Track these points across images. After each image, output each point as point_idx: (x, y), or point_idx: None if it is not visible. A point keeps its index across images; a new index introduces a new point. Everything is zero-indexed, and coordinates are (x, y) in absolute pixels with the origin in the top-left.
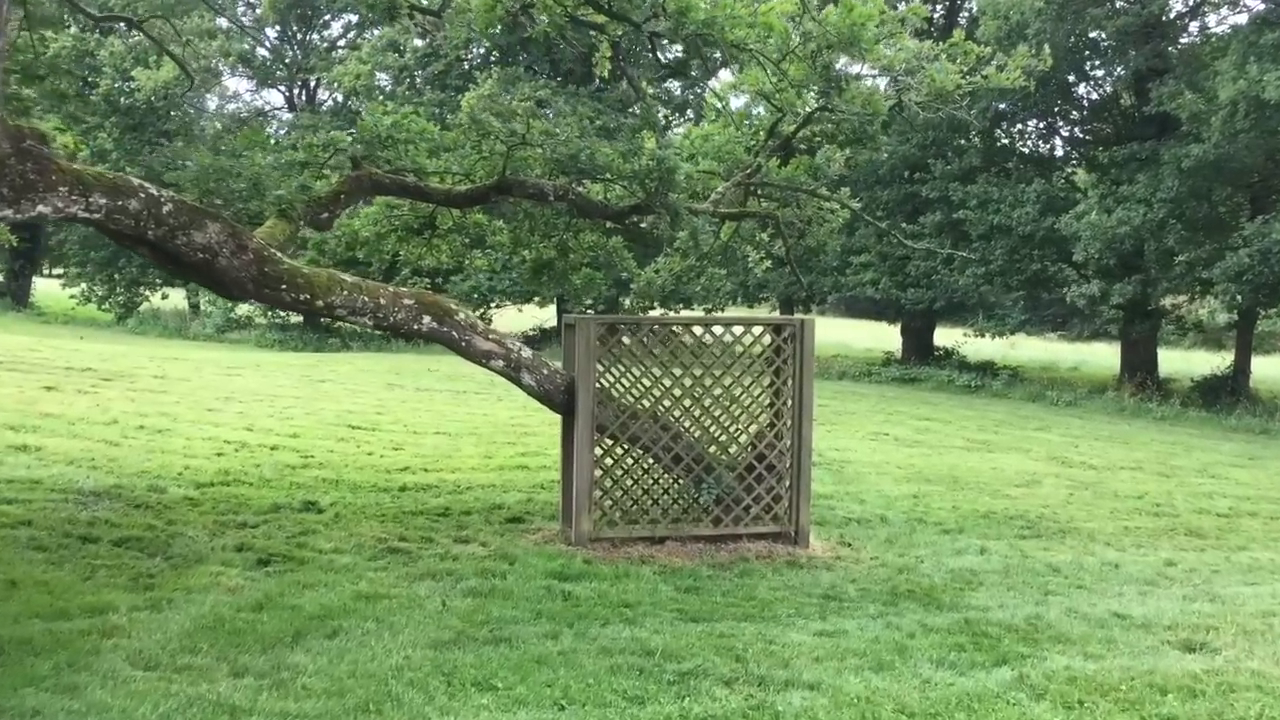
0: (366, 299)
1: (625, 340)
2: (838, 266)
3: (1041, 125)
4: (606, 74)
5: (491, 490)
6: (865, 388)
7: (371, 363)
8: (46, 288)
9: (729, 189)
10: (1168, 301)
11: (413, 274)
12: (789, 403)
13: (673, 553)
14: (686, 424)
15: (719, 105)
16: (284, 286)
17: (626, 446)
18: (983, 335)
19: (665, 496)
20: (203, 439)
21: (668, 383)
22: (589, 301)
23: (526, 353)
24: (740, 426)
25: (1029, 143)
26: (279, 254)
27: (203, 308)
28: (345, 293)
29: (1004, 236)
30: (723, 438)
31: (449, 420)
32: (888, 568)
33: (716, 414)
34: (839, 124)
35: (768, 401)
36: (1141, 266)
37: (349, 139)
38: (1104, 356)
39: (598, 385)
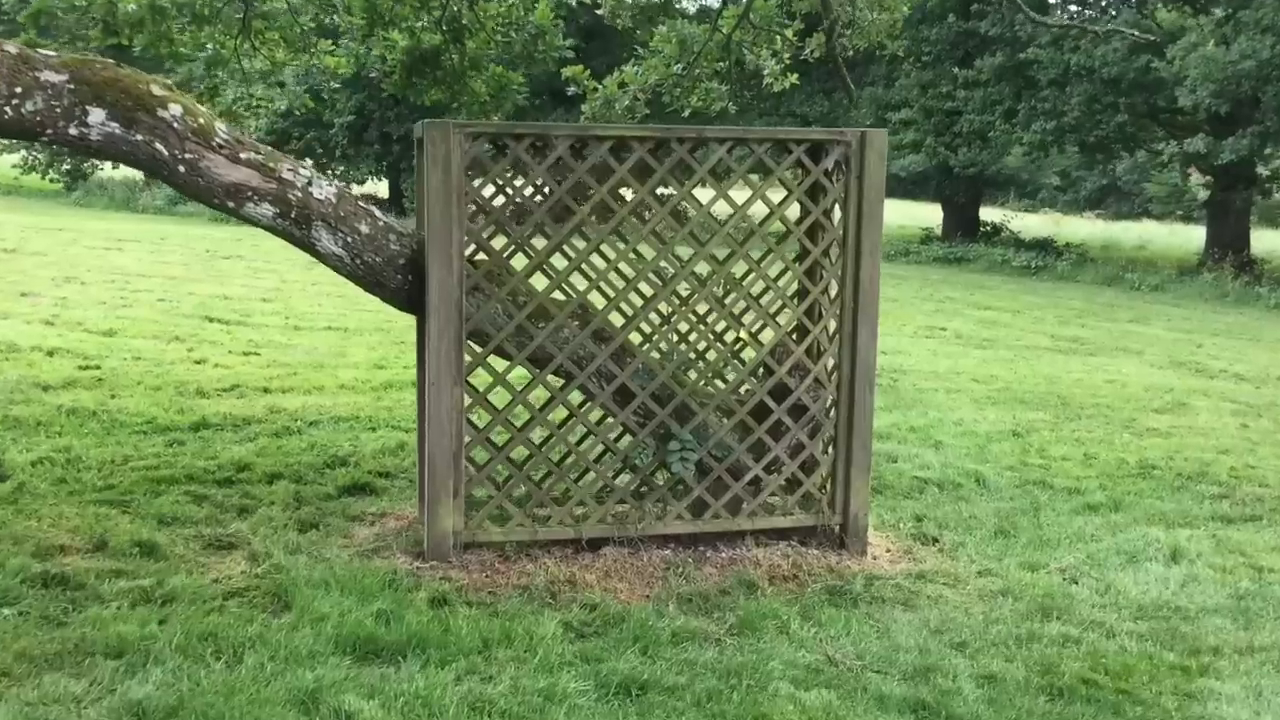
0: None
1: (521, 169)
2: (873, 124)
3: None
4: None
5: (348, 427)
6: (904, 269)
7: None
8: None
9: None
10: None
11: None
12: (834, 291)
13: (613, 571)
14: (646, 331)
15: None
16: None
17: (531, 372)
18: (1052, 208)
19: (605, 464)
20: None
21: (611, 255)
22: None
23: (324, 191)
24: (744, 334)
25: None
26: None
27: None
28: None
29: (1082, 82)
30: (711, 354)
31: (359, 310)
32: (1015, 600)
33: (702, 312)
34: None
35: (794, 289)
36: (1257, 118)
37: None
38: (1160, 235)
39: (469, 258)
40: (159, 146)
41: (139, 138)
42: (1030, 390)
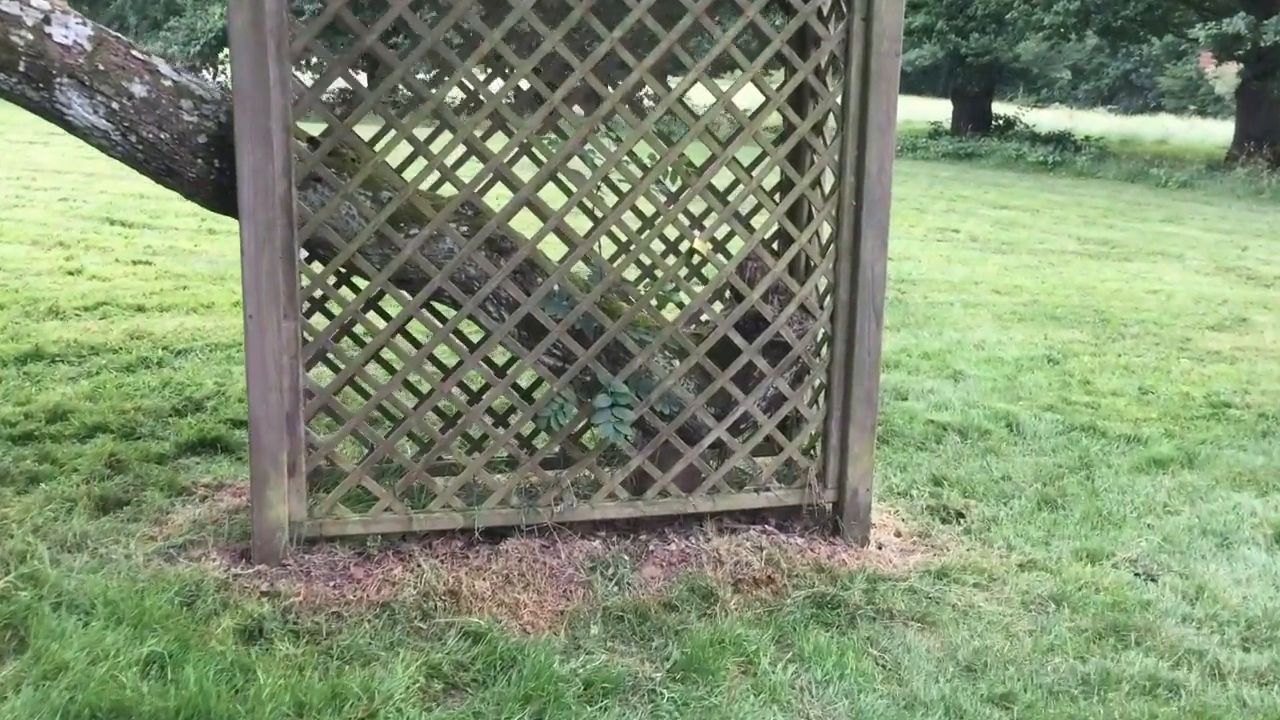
0: None
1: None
2: None
3: None
4: None
5: (224, 358)
6: (910, 165)
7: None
8: None
9: None
10: None
11: None
12: (829, 184)
13: (517, 574)
14: (573, 245)
15: None
16: None
17: (398, 299)
18: (1063, 103)
19: (506, 427)
20: None
21: (515, 132)
22: None
23: (70, 33)
24: (701, 245)
25: None
26: None
27: None
28: None
29: None
30: (659, 273)
31: None
32: (1074, 611)
33: (649, 216)
34: None
35: (775, 182)
36: None
37: None
38: (1180, 129)
39: (310, 139)
40: None
41: None
42: (1062, 303)
